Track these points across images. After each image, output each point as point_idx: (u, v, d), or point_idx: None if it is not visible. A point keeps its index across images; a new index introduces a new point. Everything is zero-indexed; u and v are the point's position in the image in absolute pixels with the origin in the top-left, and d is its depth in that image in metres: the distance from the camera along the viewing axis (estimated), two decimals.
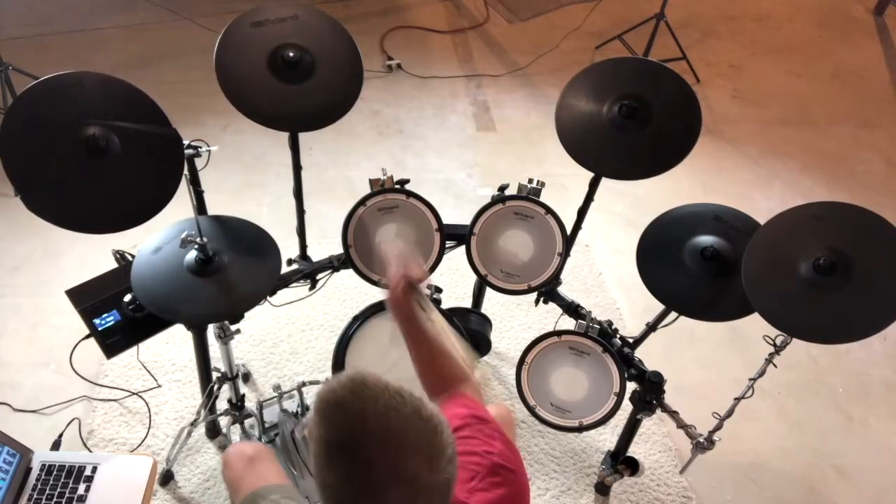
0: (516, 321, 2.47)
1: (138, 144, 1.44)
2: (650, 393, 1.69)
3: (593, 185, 1.79)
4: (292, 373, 2.22)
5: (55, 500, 1.46)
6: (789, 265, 1.42)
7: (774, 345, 1.50)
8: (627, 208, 2.97)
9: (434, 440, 0.84)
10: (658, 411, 1.72)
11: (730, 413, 1.64)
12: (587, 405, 1.66)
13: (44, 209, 1.37)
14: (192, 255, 1.51)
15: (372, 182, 1.72)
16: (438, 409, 0.88)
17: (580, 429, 1.66)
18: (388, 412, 0.83)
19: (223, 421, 2.01)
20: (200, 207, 1.80)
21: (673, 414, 1.71)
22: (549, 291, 1.95)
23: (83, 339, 1.63)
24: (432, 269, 1.73)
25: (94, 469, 1.52)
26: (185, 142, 1.54)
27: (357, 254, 1.72)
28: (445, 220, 1.74)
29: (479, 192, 3.00)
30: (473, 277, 1.87)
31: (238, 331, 1.75)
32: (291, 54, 1.60)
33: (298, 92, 1.62)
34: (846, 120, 3.68)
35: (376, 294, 1.78)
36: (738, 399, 1.63)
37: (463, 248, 1.76)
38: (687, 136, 1.62)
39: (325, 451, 0.84)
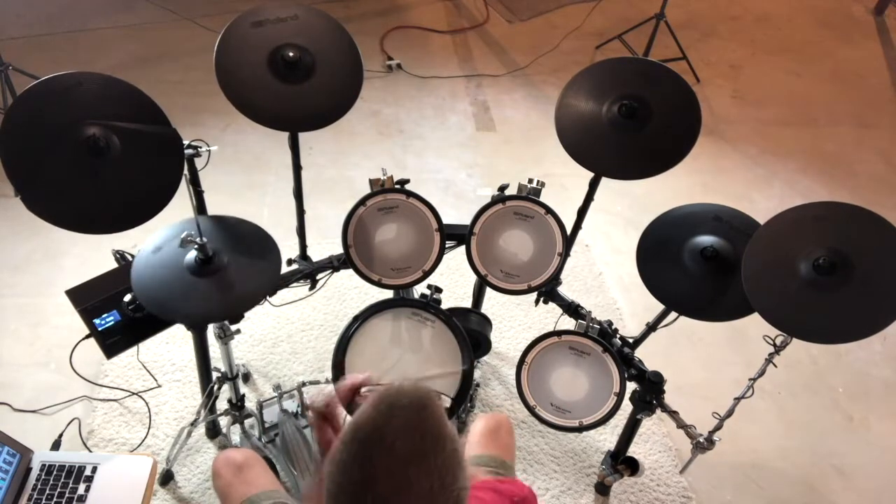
0: (516, 321, 2.47)
1: (138, 144, 1.44)
2: (650, 393, 1.69)
3: (593, 185, 1.79)
4: (292, 373, 2.22)
5: (55, 500, 1.46)
6: (789, 265, 1.42)
7: (774, 345, 1.50)
8: (627, 208, 2.97)
9: None
10: (658, 411, 1.72)
11: (730, 413, 1.64)
12: (587, 405, 1.66)
13: (44, 209, 1.37)
14: (192, 255, 1.51)
15: (372, 182, 1.72)
16: None
17: (580, 429, 1.66)
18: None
19: (223, 421, 2.01)
20: (200, 207, 1.80)
21: (673, 414, 1.71)
22: (549, 291, 1.95)
23: (83, 339, 1.63)
24: (432, 269, 1.73)
25: (94, 469, 1.52)
26: (185, 142, 1.54)
27: (357, 254, 1.72)
28: (445, 220, 1.74)
29: (479, 192, 3.00)
30: (473, 277, 1.86)
31: (238, 331, 1.75)
32: (291, 54, 1.60)
33: (298, 92, 1.62)
34: (846, 120, 3.68)
35: (376, 294, 1.77)
36: (738, 399, 1.63)
37: (463, 248, 1.76)
38: (687, 136, 1.61)
39: (340, 466, 0.81)
